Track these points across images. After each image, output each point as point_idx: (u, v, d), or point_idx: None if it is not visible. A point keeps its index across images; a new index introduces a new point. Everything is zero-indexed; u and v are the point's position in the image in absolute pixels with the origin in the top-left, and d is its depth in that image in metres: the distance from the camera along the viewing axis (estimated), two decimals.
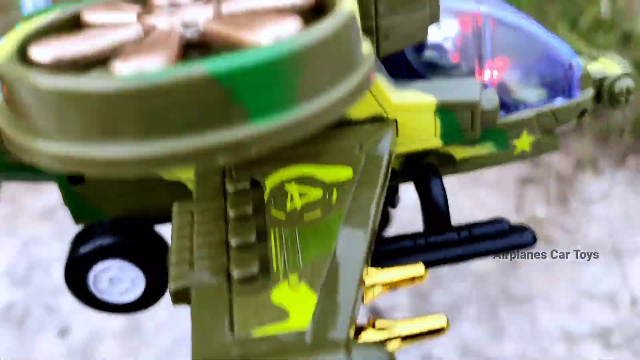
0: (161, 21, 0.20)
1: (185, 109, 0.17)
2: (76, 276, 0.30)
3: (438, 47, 0.28)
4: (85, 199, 0.29)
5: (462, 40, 0.28)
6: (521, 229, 0.31)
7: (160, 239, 0.31)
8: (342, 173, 0.24)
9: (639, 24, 1.02)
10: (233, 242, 0.23)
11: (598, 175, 1.06)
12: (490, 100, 0.28)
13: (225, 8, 0.21)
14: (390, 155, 0.26)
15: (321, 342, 0.20)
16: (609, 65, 0.32)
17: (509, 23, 0.29)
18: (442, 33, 0.28)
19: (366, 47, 0.21)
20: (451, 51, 0.29)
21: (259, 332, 0.20)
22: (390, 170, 0.26)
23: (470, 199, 1.08)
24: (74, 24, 0.22)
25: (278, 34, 0.18)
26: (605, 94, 0.31)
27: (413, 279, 0.25)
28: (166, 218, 0.28)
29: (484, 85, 0.29)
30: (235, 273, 0.22)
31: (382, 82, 0.27)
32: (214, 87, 0.17)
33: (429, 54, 0.28)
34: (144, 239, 0.30)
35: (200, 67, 0.17)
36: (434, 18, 0.26)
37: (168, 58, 0.18)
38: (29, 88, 0.17)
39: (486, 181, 1.11)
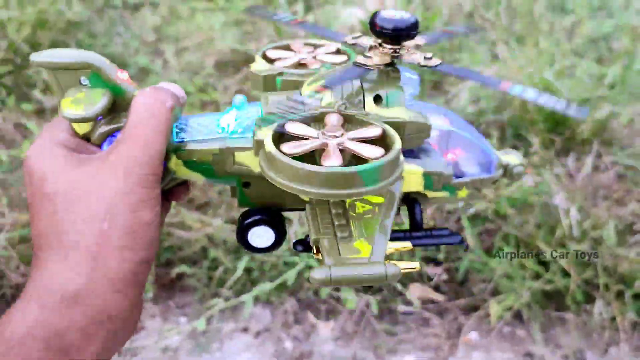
0: (329, 139, 0.43)
1: (347, 181, 0.40)
2: (242, 235, 0.51)
3: (426, 142, 0.52)
4: (247, 195, 0.51)
5: (437, 139, 0.53)
6: (456, 234, 0.52)
7: (281, 216, 0.53)
8: (379, 199, 0.47)
9: None
10: (336, 222, 0.46)
11: None
12: (449, 171, 0.51)
13: (351, 135, 0.44)
14: (400, 192, 0.49)
15: (373, 261, 0.43)
16: (511, 157, 0.55)
17: (460, 134, 0.53)
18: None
19: (402, 157, 0.44)
20: (433, 143, 0.53)
21: (350, 256, 0.43)
22: (400, 199, 0.49)
23: None
24: (283, 132, 0.45)
25: (376, 155, 0.42)
26: (507, 173, 0.55)
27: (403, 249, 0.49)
28: (287, 209, 0.52)
29: (448, 163, 0.52)
30: (339, 234, 0.45)
31: None
32: (356, 176, 0.40)
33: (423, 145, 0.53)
34: (274, 216, 0.52)
35: (354, 169, 0.40)
36: (428, 136, 0.50)
37: (339, 160, 0.42)
38: (281, 163, 0.41)
39: None
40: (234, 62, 2.11)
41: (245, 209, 0.52)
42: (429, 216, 1.43)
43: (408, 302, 1.37)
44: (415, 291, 1.38)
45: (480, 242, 1.41)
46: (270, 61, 0.55)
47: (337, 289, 1.38)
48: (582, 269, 1.29)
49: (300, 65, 0.55)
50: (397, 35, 0.45)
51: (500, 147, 1.58)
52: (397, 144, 0.42)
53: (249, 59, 2.17)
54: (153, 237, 0.42)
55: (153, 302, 1.45)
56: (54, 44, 2.09)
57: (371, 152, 0.42)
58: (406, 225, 0.54)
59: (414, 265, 0.45)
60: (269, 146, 0.41)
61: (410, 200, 0.52)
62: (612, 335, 1.26)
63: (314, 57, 0.56)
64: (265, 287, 1.40)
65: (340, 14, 2.19)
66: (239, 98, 0.49)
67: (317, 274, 0.41)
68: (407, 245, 0.47)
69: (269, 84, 0.53)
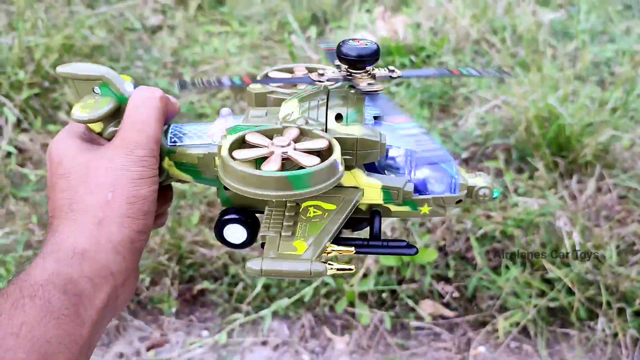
0: (276, 149, 0.49)
1: (277, 184, 0.46)
2: (219, 230, 0.57)
3: (392, 159, 0.56)
4: (227, 196, 0.57)
5: (403, 159, 0.57)
6: (413, 246, 0.56)
7: (255, 218, 0.57)
8: (331, 206, 0.53)
9: None
10: (285, 223, 0.51)
11: None
12: (409, 188, 0.55)
13: (297, 147, 0.49)
14: (356, 202, 0.54)
15: (302, 258, 0.48)
16: (478, 180, 0.58)
17: (426, 155, 0.56)
18: (396, 152, 0.57)
19: (342, 167, 0.49)
20: (399, 161, 0.57)
21: (286, 252, 0.49)
22: (355, 208, 0.54)
23: None
24: (243, 140, 0.51)
25: (310, 163, 0.47)
26: (472, 195, 0.58)
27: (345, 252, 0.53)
28: (261, 211, 0.56)
29: (409, 181, 0.56)
30: (283, 233, 0.50)
31: (359, 171, 0.54)
32: (286, 180, 0.46)
33: (388, 162, 0.57)
34: (249, 217, 0.57)
35: (284, 174, 0.46)
36: (382, 153, 0.54)
37: (277, 166, 0.47)
38: (235, 169, 0.47)
39: None
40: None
41: (225, 207, 0.58)
42: (438, 237, 1.51)
43: (420, 318, 1.44)
44: (427, 307, 1.45)
45: (488, 261, 1.48)
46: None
47: (352, 305, 1.45)
48: (585, 287, 1.35)
49: (293, 86, 0.62)
50: (361, 61, 0.51)
51: (506, 169, 1.65)
52: (334, 156, 0.47)
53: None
54: (149, 210, 0.50)
55: (176, 316, 1.52)
56: None
57: (307, 161, 0.47)
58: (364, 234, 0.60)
59: (350, 267, 0.50)
60: (223, 151, 0.48)
61: (373, 212, 0.56)
62: (615, 350, 1.32)
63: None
64: (283, 302, 1.47)
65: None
66: (225, 110, 0.56)
67: (251, 264, 0.47)
68: (350, 249, 0.53)
69: (260, 100, 0.60)
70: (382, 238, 0.55)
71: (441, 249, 1.51)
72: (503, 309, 1.41)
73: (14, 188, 1.83)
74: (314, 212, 0.52)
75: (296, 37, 2.30)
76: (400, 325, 1.44)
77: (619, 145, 1.65)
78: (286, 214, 0.52)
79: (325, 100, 0.53)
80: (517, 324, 1.37)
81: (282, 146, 0.49)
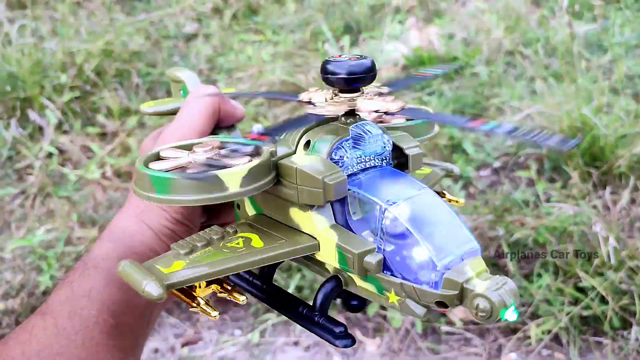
0: (195, 158, 0.44)
1: (142, 183, 0.42)
2: None
3: (374, 217, 0.43)
4: (239, 215, 0.53)
5: (389, 221, 0.43)
6: (348, 336, 0.45)
7: None
8: (260, 244, 0.44)
9: None
10: (197, 242, 0.44)
11: None
12: (371, 258, 0.41)
13: (221, 152, 0.45)
14: (299, 250, 0.44)
15: (153, 275, 0.41)
16: (485, 284, 0.38)
17: (408, 226, 0.41)
18: (377, 211, 0.43)
19: (243, 187, 0.42)
20: (383, 222, 0.42)
21: (158, 266, 0.42)
22: (292, 257, 0.44)
23: None
24: (158, 155, 0.46)
25: (239, 165, 0.42)
26: (463, 297, 0.39)
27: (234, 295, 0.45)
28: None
29: (377, 249, 0.42)
30: (179, 250, 0.43)
31: (317, 216, 0.44)
32: (148, 180, 0.42)
33: (370, 220, 0.44)
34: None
35: (149, 173, 0.42)
36: (329, 197, 0.43)
37: (165, 167, 0.44)
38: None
39: None
40: (283, 92, 2.25)
41: None
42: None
43: (451, 323, 1.45)
44: (458, 312, 1.46)
45: (520, 269, 1.48)
46: None
47: (384, 308, 1.46)
48: (619, 296, 1.35)
49: None
50: (352, 80, 0.43)
51: (538, 178, 1.66)
52: (222, 172, 0.41)
53: (298, 90, 2.29)
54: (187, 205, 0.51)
55: None
56: (118, 73, 2.25)
57: (237, 163, 0.42)
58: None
59: (213, 313, 0.43)
60: (137, 164, 0.44)
61: (332, 277, 0.45)
62: None
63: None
64: None
65: (384, 48, 2.31)
66: (257, 127, 0.49)
67: (120, 262, 0.42)
68: (240, 298, 0.44)
69: None
70: (322, 312, 0.45)
71: None
72: (535, 316, 1.41)
73: (54, 187, 1.89)
74: (237, 244, 0.44)
75: (329, 46, 2.34)
76: (432, 329, 1.45)
77: None
78: (211, 235, 0.45)
79: (310, 127, 0.46)
80: (549, 331, 1.37)
81: (205, 153, 0.44)
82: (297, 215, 0.45)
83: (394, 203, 0.42)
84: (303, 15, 2.66)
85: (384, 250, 0.41)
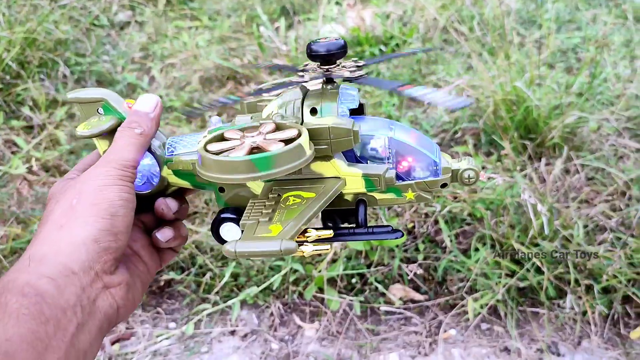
0: (247, 140, 0.53)
1: (244, 168, 0.50)
2: (215, 228, 0.60)
3: (374, 149, 0.57)
4: (222, 197, 0.61)
5: (383, 148, 0.57)
6: (398, 230, 0.57)
7: None
8: (311, 194, 0.55)
9: None
10: (264, 211, 0.54)
11: (559, 357, 1.30)
12: (390, 174, 0.56)
13: (267, 137, 0.53)
14: (336, 190, 0.56)
15: (273, 238, 0.49)
16: (462, 163, 0.58)
17: (405, 143, 0.57)
18: (377, 143, 0.57)
19: (310, 151, 0.53)
20: (380, 151, 0.57)
21: (261, 235, 0.51)
22: (337, 196, 0.56)
23: None
24: (222, 136, 0.55)
25: (275, 148, 0.50)
26: (457, 177, 0.58)
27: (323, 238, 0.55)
28: None
29: (390, 168, 0.57)
30: (261, 219, 0.53)
31: (338, 161, 0.57)
32: (249, 163, 0.49)
33: (371, 152, 0.58)
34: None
35: (248, 157, 0.49)
36: (357, 141, 0.56)
37: (244, 152, 0.51)
38: (216, 160, 0.51)
39: None
40: (218, 77, 2.18)
41: (221, 207, 0.62)
42: (407, 220, 1.49)
43: (390, 302, 1.42)
44: (397, 291, 1.43)
45: (457, 243, 1.47)
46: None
47: (321, 291, 1.43)
48: (554, 266, 1.35)
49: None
50: (330, 55, 0.55)
51: (475, 153, 1.65)
52: (298, 141, 0.51)
53: (233, 74, 2.23)
54: (117, 213, 0.51)
55: (142, 309, 1.48)
56: (43, 63, 2.14)
57: (273, 147, 0.51)
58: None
59: (325, 247, 0.53)
60: (199, 145, 0.53)
61: (358, 202, 0.58)
62: (584, 328, 1.32)
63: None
64: (251, 291, 1.44)
65: (321, 30, 2.26)
66: (215, 118, 0.61)
67: (227, 246, 0.50)
68: (328, 232, 0.55)
69: (251, 109, 0.64)
70: (366, 224, 0.57)
71: (410, 232, 1.50)
72: (473, 290, 1.40)
73: None
74: (294, 200, 0.54)
75: (265, 29, 2.28)
76: (370, 310, 1.42)
77: (586, 127, 1.66)
78: (266, 203, 0.55)
79: (302, 99, 0.57)
80: (487, 304, 1.35)
81: (252, 137, 0.53)
82: (320, 166, 0.57)
83: (388, 130, 0.57)
84: None
85: (394, 166, 0.57)
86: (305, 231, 0.54)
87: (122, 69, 2.31)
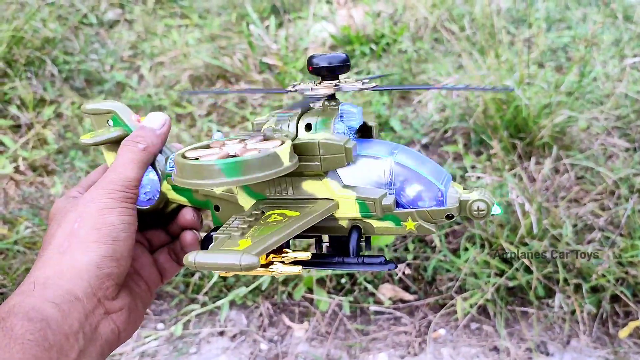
0: (225, 148, 0.51)
1: (209, 172, 0.47)
2: (205, 245, 0.56)
3: (375, 175, 0.54)
4: (218, 217, 0.59)
5: (385, 174, 0.54)
6: (391, 262, 0.53)
7: None
8: (295, 213, 0.51)
9: None
10: (240, 225, 0.50)
11: (548, 357, 1.29)
12: (388, 200, 0.52)
13: (249, 146, 0.51)
14: (325, 213, 0.52)
15: (234, 252, 0.45)
16: (474, 194, 0.53)
17: (412, 168, 0.53)
18: (379, 166, 0.54)
19: (289, 163, 0.50)
20: (382, 175, 0.53)
21: (226, 248, 0.46)
22: (323, 217, 0.52)
23: None
24: (207, 145, 0.53)
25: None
26: (466, 208, 0.52)
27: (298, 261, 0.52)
28: None
29: (390, 193, 0.53)
30: (233, 233, 0.49)
31: (332, 182, 0.53)
32: (217, 168, 0.47)
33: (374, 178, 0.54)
34: None
35: (216, 163, 0.47)
36: (349, 159, 0.52)
37: (215, 157, 0.49)
38: (185, 165, 0.49)
39: None
40: (208, 75, 2.16)
41: (216, 225, 0.60)
42: None
43: (379, 302, 1.42)
44: (386, 291, 1.43)
45: (447, 243, 1.46)
46: None
47: (310, 291, 1.42)
48: (543, 265, 1.35)
49: None
50: (333, 69, 0.53)
51: (465, 152, 1.64)
52: (274, 149, 0.49)
53: (223, 73, 2.21)
54: (118, 237, 0.50)
55: None
56: (30, 61, 2.12)
57: (247, 154, 0.49)
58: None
59: (296, 269, 0.49)
60: (176, 153, 0.51)
61: (352, 228, 0.54)
62: (573, 327, 1.32)
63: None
64: (240, 291, 1.44)
65: (312, 28, 2.25)
66: (218, 134, 0.59)
67: (188, 256, 0.46)
68: (305, 255, 0.51)
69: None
70: (358, 254, 0.53)
71: None
72: (462, 290, 1.40)
73: None
74: (275, 218, 0.51)
75: (255, 27, 2.27)
76: (360, 310, 1.42)
77: (576, 127, 1.66)
78: (246, 218, 0.51)
79: (300, 115, 0.55)
80: (476, 304, 1.35)
81: (233, 146, 0.51)
82: (311, 186, 0.54)
83: (392, 154, 0.53)
84: None
85: (393, 192, 0.53)
86: (282, 251, 0.51)
87: (110, 67, 2.29)
